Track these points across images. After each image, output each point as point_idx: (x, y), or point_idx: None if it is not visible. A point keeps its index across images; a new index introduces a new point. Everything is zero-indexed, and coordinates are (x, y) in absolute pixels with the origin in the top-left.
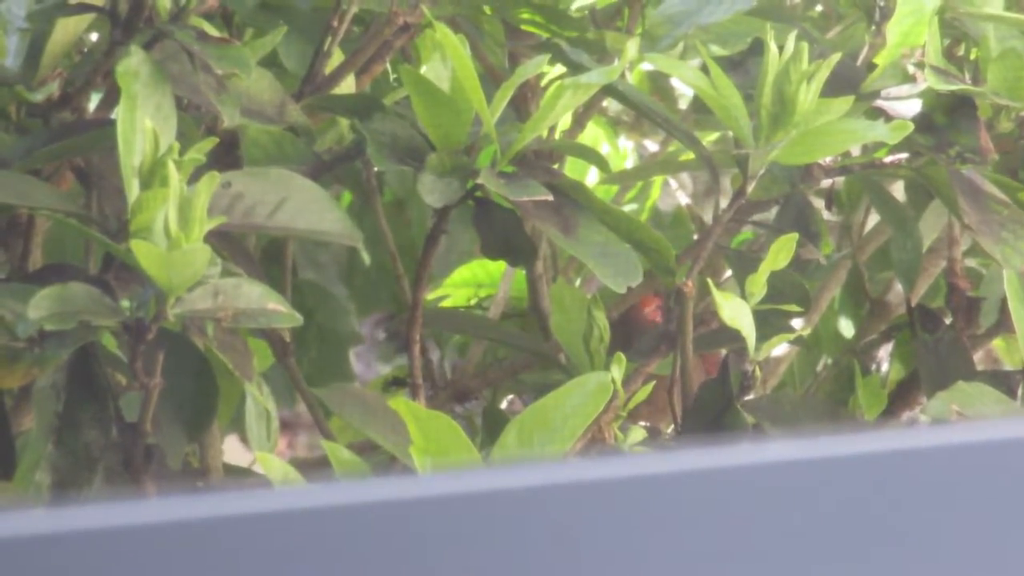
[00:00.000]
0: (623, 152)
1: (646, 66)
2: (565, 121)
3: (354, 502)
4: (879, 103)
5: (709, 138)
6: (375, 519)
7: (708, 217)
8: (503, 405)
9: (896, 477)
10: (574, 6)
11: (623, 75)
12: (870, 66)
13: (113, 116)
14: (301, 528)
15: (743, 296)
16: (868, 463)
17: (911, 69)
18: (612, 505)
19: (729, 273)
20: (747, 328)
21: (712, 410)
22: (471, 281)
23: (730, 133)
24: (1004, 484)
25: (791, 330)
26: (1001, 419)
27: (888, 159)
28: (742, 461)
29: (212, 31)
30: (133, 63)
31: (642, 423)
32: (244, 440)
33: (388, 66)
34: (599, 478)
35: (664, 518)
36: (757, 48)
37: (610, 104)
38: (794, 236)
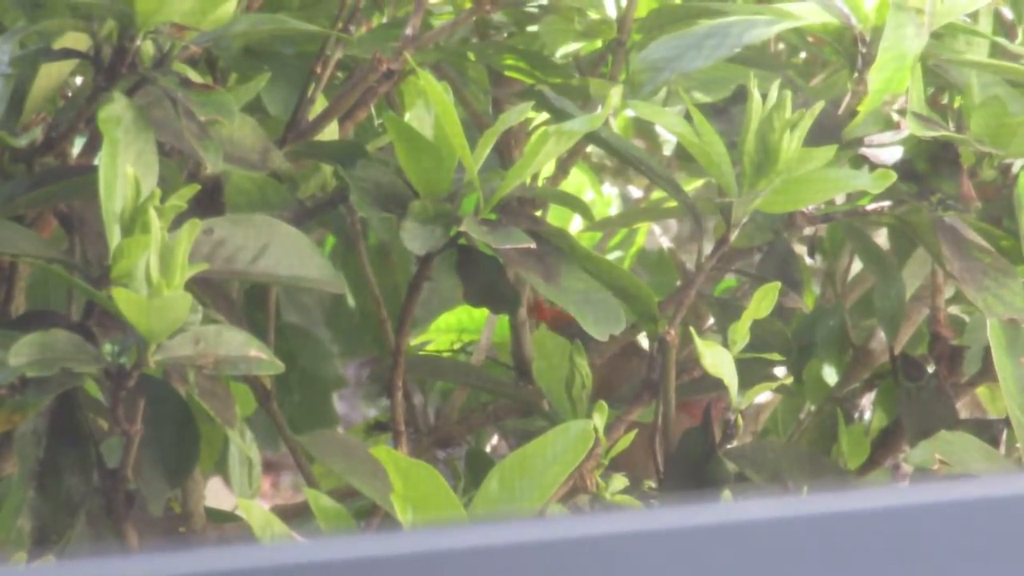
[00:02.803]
0: (607, 198)
1: (631, 112)
2: (549, 167)
3: (335, 559)
4: (862, 151)
5: (694, 184)
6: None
7: (691, 263)
8: (488, 448)
9: (877, 536)
10: (558, 53)
11: (607, 122)
12: (853, 113)
13: (96, 162)
14: None
15: (726, 344)
16: (850, 522)
17: (894, 116)
18: (593, 563)
19: (712, 321)
20: (729, 376)
21: (695, 458)
22: (455, 327)
23: (714, 180)
24: (986, 542)
25: (774, 378)
26: (983, 477)
27: (871, 207)
28: (727, 519)
29: (195, 77)
30: (116, 109)
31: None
32: (228, 482)
33: (372, 112)
34: (581, 535)
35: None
36: (740, 95)
37: (594, 150)
38: (777, 284)
